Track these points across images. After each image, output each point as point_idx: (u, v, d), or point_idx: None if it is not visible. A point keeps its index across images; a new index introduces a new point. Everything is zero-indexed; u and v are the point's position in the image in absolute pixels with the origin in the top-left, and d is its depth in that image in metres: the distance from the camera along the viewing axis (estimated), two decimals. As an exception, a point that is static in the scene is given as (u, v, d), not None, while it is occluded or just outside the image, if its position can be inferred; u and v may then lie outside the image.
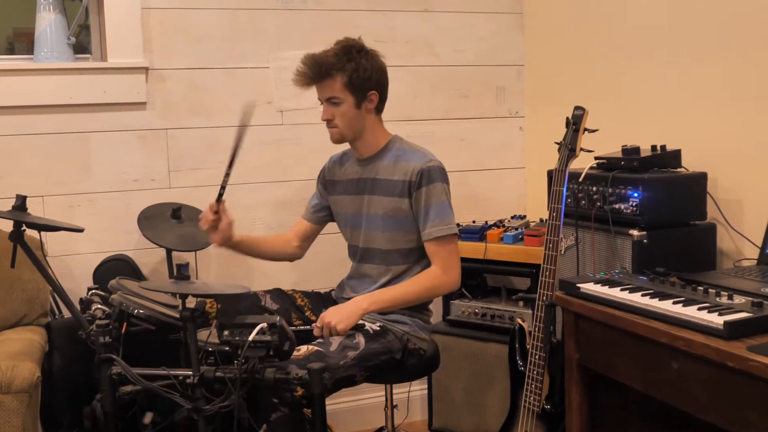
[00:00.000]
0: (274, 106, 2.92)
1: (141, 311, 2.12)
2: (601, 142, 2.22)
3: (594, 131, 2.15)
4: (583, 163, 2.24)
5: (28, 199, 2.09)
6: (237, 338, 1.79)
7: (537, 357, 2.14)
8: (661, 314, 1.71)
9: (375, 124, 2.27)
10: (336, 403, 2.88)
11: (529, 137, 3.27)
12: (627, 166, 2.20)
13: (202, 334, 2.03)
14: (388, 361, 2.18)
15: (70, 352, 2.36)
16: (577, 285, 1.95)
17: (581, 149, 2.13)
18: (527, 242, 2.65)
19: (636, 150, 2.22)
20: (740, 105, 2.24)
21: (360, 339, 2.13)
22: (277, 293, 2.37)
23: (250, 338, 1.76)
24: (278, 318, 1.80)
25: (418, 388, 3.02)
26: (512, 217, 2.99)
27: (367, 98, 2.21)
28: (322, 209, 2.45)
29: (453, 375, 2.76)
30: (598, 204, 2.22)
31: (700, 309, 1.65)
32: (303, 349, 2.03)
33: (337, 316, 2.09)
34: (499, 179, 3.25)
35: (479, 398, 2.73)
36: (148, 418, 2.07)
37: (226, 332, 1.81)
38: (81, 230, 2.25)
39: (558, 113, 2.31)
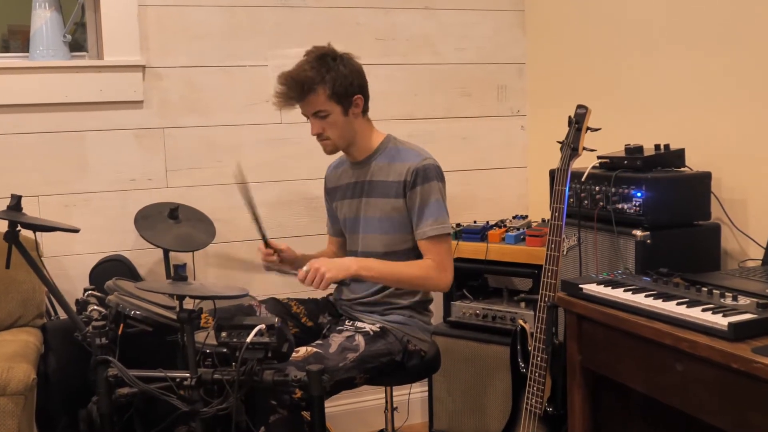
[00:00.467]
0: (272, 104, 2.90)
1: (138, 312, 2.11)
2: (604, 141, 2.21)
3: (597, 130, 2.14)
4: (585, 162, 2.23)
5: (23, 198, 2.09)
6: (235, 340, 1.78)
7: (539, 359, 2.13)
8: (664, 315, 1.70)
9: (364, 127, 2.27)
10: (335, 406, 2.87)
11: (531, 136, 3.26)
12: (630, 165, 2.20)
13: (200, 336, 2.02)
14: (388, 362, 2.17)
15: (66, 354, 2.35)
16: (580, 286, 1.95)
17: (584, 148, 2.13)
18: (529, 242, 2.65)
19: (639, 149, 2.21)
20: (745, 103, 2.23)
21: (360, 340, 2.13)
22: (272, 302, 2.36)
23: (248, 340, 1.75)
24: (277, 319, 1.80)
25: (418, 390, 3.01)
26: (514, 217, 2.99)
27: (353, 103, 2.20)
28: (337, 220, 2.44)
29: (454, 377, 2.76)
30: (601, 204, 2.21)
31: (704, 310, 1.64)
32: (302, 351, 2.03)
33: (327, 265, 2.05)
34: (500, 179, 3.25)
35: (480, 400, 2.72)
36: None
37: (223, 334, 1.81)
38: (77, 230, 2.25)
39: (560, 112, 2.31)
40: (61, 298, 2.14)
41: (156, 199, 2.74)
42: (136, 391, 1.81)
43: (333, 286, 2.44)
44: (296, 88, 2.14)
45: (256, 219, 2.22)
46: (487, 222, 2.90)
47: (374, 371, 2.14)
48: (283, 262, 2.32)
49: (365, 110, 2.26)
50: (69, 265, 2.69)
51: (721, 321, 1.57)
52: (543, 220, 2.88)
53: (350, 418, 2.97)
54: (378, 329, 2.19)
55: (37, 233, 2.41)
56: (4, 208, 2.08)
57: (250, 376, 1.76)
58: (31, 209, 2.33)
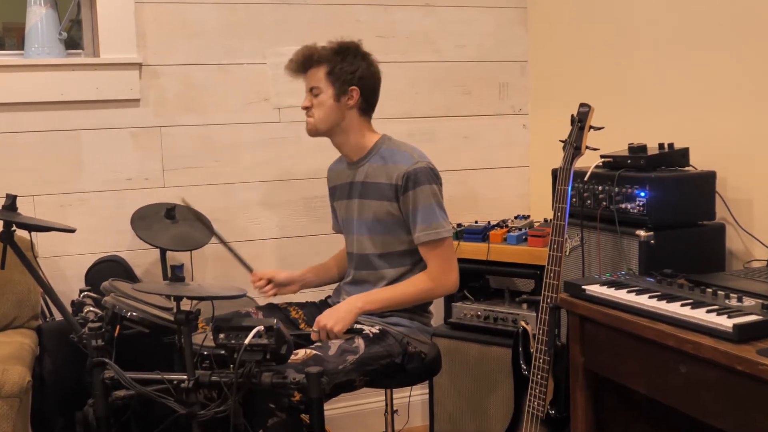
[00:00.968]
0: (271, 103, 2.90)
1: (134, 314, 2.10)
2: (607, 140, 2.21)
3: (600, 129, 2.13)
4: (588, 161, 2.23)
5: (18, 198, 2.07)
6: (233, 341, 1.77)
7: (541, 361, 2.12)
8: (668, 317, 1.70)
9: (360, 125, 2.26)
10: (335, 408, 2.87)
11: (533, 135, 3.25)
12: (634, 164, 2.19)
13: (198, 338, 2.01)
14: (388, 365, 2.16)
15: (61, 356, 2.35)
16: (583, 287, 1.94)
17: (587, 147, 2.12)
18: (531, 243, 2.64)
19: (643, 148, 2.21)
20: (751, 101, 2.22)
21: (359, 343, 2.12)
22: (270, 308, 2.35)
23: (247, 341, 1.74)
24: (275, 321, 1.78)
25: (418, 393, 3.00)
26: (516, 217, 2.98)
27: (348, 93, 2.21)
28: None
29: (455, 379, 2.75)
30: (604, 204, 2.21)
31: (708, 311, 1.64)
32: (301, 353, 2.02)
33: (332, 318, 2.09)
34: (502, 178, 3.24)
35: (481, 403, 2.71)
36: None
37: (221, 335, 1.79)
38: (73, 230, 2.23)
39: (563, 110, 2.29)
40: (57, 300, 2.12)
41: (153, 198, 2.72)
42: (133, 393, 1.80)
43: (332, 286, 2.46)
44: (303, 57, 2.24)
45: (233, 252, 2.31)
46: (489, 222, 2.90)
47: (374, 373, 2.13)
48: (280, 286, 2.38)
49: (364, 110, 2.25)
50: (65, 265, 2.68)
51: (725, 322, 1.56)
52: (545, 220, 2.88)
53: (350, 421, 2.96)
54: (378, 331, 2.18)
55: (33, 233, 2.45)
56: (-1, 207, 2.07)
57: (248, 379, 1.74)
58: (26, 209, 2.31)
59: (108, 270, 2.56)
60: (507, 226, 2.83)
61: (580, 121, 2.11)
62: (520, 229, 2.74)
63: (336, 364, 2.03)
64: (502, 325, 2.65)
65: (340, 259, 2.49)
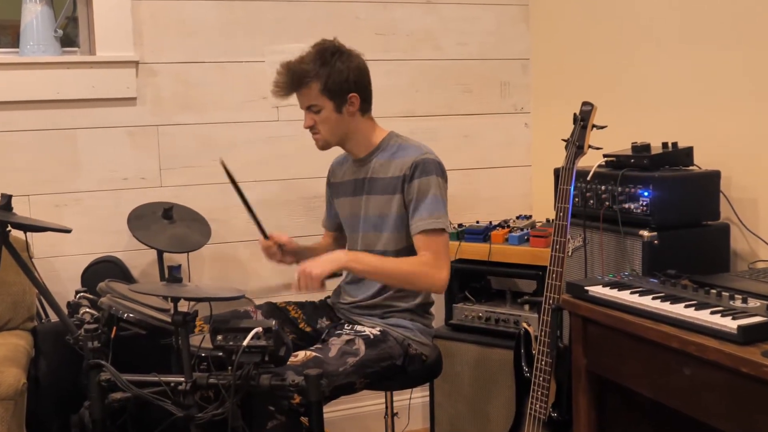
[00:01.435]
0: (269, 101, 2.87)
1: (131, 315, 2.09)
2: (610, 139, 2.20)
3: (602, 128, 2.12)
4: (591, 160, 2.23)
5: (13, 198, 2.06)
6: (231, 343, 1.76)
7: (543, 363, 2.11)
8: (672, 318, 1.69)
9: (364, 125, 2.24)
10: (334, 411, 2.86)
11: (535, 134, 3.25)
12: (637, 164, 2.19)
13: (195, 339, 2.00)
14: (388, 367, 2.15)
15: (57, 358, 2.34)
16: (585, 288, 1.94)
17: (589, 146, 2.12)
18: (533, 243, 2.64)
19: (646, 147, 2.20)
20: (755, 99, 2.22)
21: (360, 345, 2.11)
22: (269, 307, 2.33)
23: (245, 343, 1.73)
24: (274, 322, 1.77)
25: (419, 395, 2.99)
26: (517, 217, 2.98)
27: (348, 101, 2.17)
28: (334, 214, 2.43)
29: (456, 381, 2.74)
30: (607, 203, 2.20)
31: (712, 313, 1.63)
32: (300, 355, 2.01)
33: (313, 262, 2.06)
34: (503, 178, 3.23)
35: (483, 406, 2.70)
36: None
37: (219, 337, 1.78)
38: (68, 231, 2.22)
39: (565, 109, 2.29)
40: (52, 301, 2.11)
41: (149, 198, 2.71)
42: (130, 395, 1.79)
43: (332, 286, 2.41)
44: (290, 79, 2.16)
45: (253, 214, 2.24)
46: (490, 222, 2.89)
47: (374, 376, 2.12)
48: (286, 254, 2.34)
49: (365, 110, 2.23)
50: (60, 266, 2.67)
51: (730, 324, 1.56)
52: (547, 220, 2.88)
53: (350, 423, 2.96)
54: (378, 333, 2.17)
55: (28, 234, 2.45)
56: (-6, 207, 2.07)
57: (246, 381, 1.73)
58: (21, 209, 2.32)
59: (104, 271, 2.55)
60: (509, 226, 2.83)
61: (583, 119, 2.10)
62: (522, 230, 2.74)
63: (336, 366, 2.02)
64: (504, 327, 2.65)
65: (325, 246, 2.47)
